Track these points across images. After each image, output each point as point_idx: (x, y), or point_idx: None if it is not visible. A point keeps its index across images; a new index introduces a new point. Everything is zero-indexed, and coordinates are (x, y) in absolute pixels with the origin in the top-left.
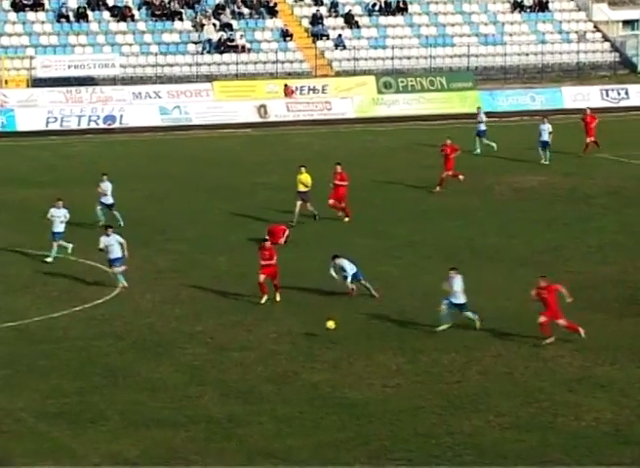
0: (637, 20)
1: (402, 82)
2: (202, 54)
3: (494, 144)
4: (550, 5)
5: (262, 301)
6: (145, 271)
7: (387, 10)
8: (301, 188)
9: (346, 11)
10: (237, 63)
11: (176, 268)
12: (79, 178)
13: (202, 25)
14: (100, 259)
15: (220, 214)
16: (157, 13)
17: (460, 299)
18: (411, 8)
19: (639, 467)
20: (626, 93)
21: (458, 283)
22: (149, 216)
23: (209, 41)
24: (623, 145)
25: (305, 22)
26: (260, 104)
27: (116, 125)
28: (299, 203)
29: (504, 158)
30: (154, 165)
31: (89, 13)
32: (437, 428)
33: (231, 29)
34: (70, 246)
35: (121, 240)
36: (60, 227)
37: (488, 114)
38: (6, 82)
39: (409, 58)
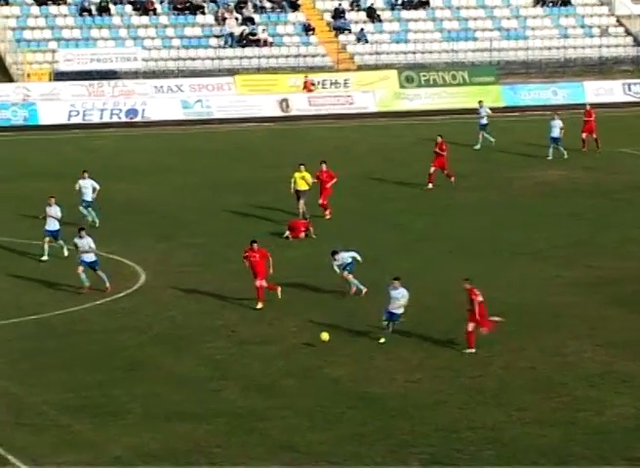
0: None
1: (424, 76)
2: (224, 47)
3: (492, 140)
4: None
5: (258, 307)
6: (167, 265)
7: (410, 4)
8: (302, 187)
9: (368, 5)
10: (259, 57)
11: (197, 262)
12: (101, 172)
13: (224, 19)
14: (122, 253)
15: (241, 207)
16: (179, 6)
17: (400, 310)
18: (433, 2)
19: None
20: None
21: (401, 293)
22: (171, 210)
23: (231, 35)
24: None
25: (327, 16)
26: (282, 98)
27: (138, 119)
28: (301, 202)
29: (526, 152)
30: (176, 159)
31: (111, 6)
32: (458, 423)
33: (253, 23)
34: (65, 248)
35: (92, 245)
36: (54, 225)
37: (510, 109)
38: (28, 75)
39: (431, 52)
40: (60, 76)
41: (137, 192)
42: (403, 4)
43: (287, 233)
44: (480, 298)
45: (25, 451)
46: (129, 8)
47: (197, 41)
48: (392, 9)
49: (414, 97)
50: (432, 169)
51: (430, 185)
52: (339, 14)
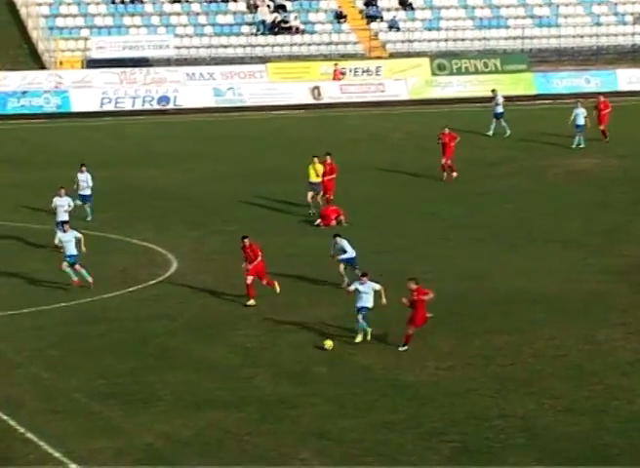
0: None
1: (456, 64)
2: (256, 35)
3: (508, 132)
4: None
5: (249, 303)
6: (199, 252)
7: None
8: (314, 179)
9: None
10: (291, 45)
11: (229, 249)
12: (133, 159)
13: (256, 7)
14: (154, 240)
15: (273, 195)
16: None
17: (369, 303)
18: None
19: None
20: None
21: (371, 286)
22: (203, 198)
23: (263, 22)
24: None
25: (359, 4)
26: (314, 86)
27: (170, 106)
28: (310, 194)
29: (558, 141)
30: (207, 146)
31: None
32: (490, 411)
33: (285, 11)
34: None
35: (78, 235)
36: (64, 216)
37: (542, 97)
38: (61, 63)
39: (463, 39)
40: (92, 64)
41: (168, 179)
42: None
43: (318, 221)
44: (428, 297)
45: (57, 438)
46: None
47: (229, 28)
48: None
49: (446, 85)
50: (445, 160)
51: (455, 174)
52: (370, 1)
